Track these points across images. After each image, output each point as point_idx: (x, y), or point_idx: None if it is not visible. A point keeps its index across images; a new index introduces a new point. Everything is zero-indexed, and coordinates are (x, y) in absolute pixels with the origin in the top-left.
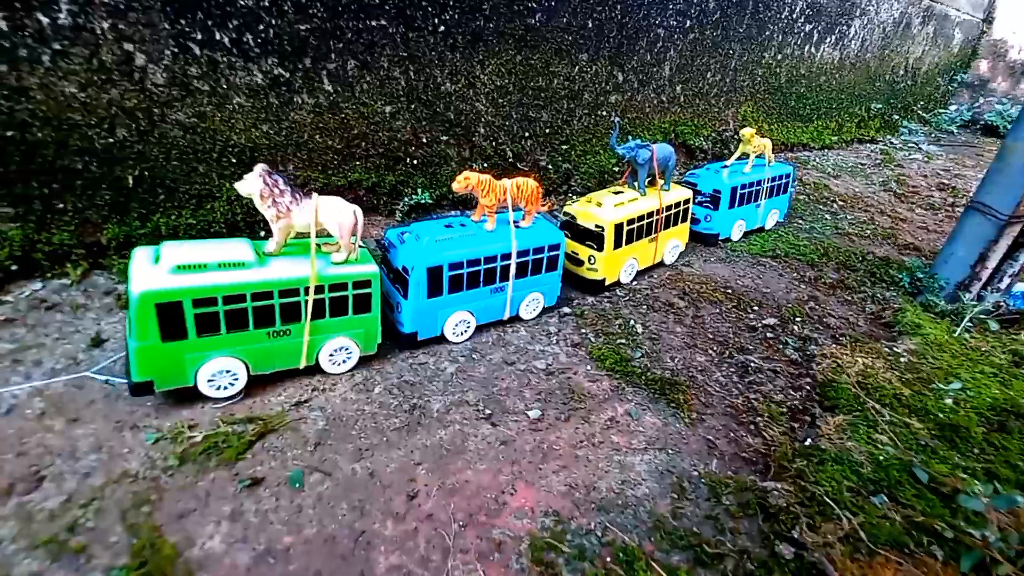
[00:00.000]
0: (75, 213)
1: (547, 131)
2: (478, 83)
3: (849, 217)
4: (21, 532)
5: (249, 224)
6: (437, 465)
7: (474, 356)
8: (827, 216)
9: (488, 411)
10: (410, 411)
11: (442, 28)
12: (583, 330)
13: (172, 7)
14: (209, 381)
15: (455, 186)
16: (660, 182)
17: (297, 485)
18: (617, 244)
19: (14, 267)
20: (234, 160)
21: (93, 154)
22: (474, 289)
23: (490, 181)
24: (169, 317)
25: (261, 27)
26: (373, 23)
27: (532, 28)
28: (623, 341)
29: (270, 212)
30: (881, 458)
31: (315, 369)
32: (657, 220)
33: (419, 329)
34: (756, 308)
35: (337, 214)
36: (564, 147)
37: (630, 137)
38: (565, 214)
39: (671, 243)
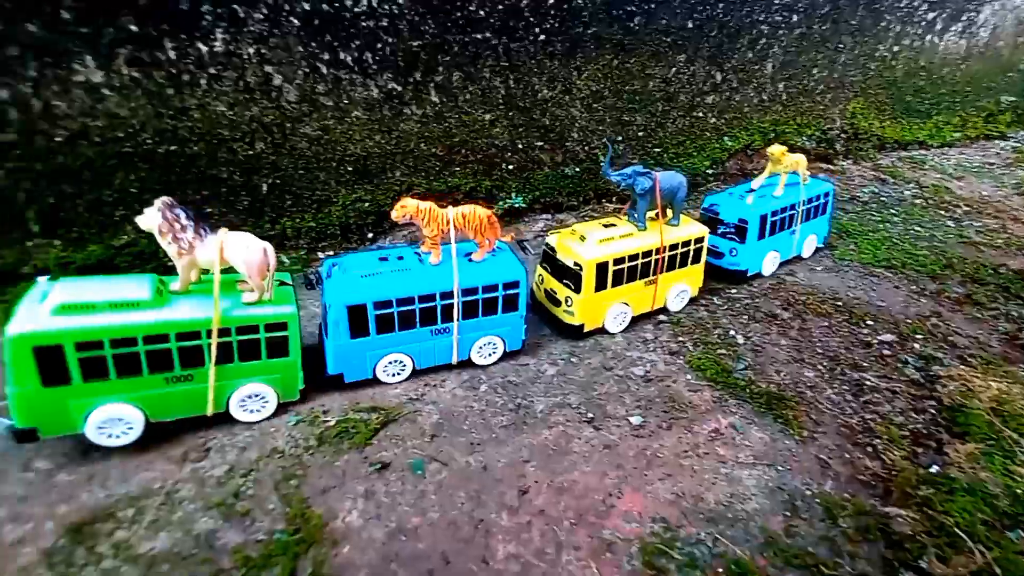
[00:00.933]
0: (219, 217)
1: (640, 134)
2: (574, 89)
3: (976, 224)
4: (197, 494)
5: (359, 228)
6: (545, 463)
7: (573, 360)
8: (949, 223)
9: (590, 415)
10: (515, 410)
11: (542, 37)
12: (680, 338)
13: (306, 31)
14: (99, 429)
15: (393, 214)
16: (668, 215)
17: (419, 472)
18: (600, 286)
19: (171, 263)
20: (350, 168)
21: (236, 165)
22: (409, 330)
23: (431, 209)
24: (49, 361)
25: (379, 45)
26: (478, 36)
27: (631, 31)
28: (724, 351)
29: (171, 248)
30: (1019, 491)
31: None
32: (658, 260)
33: (344, 371)
34: (870, 323)
35: (244, 252)
36: (656, 150)
37: (635, 161)
38: (546, 245)
39: (677, 287)
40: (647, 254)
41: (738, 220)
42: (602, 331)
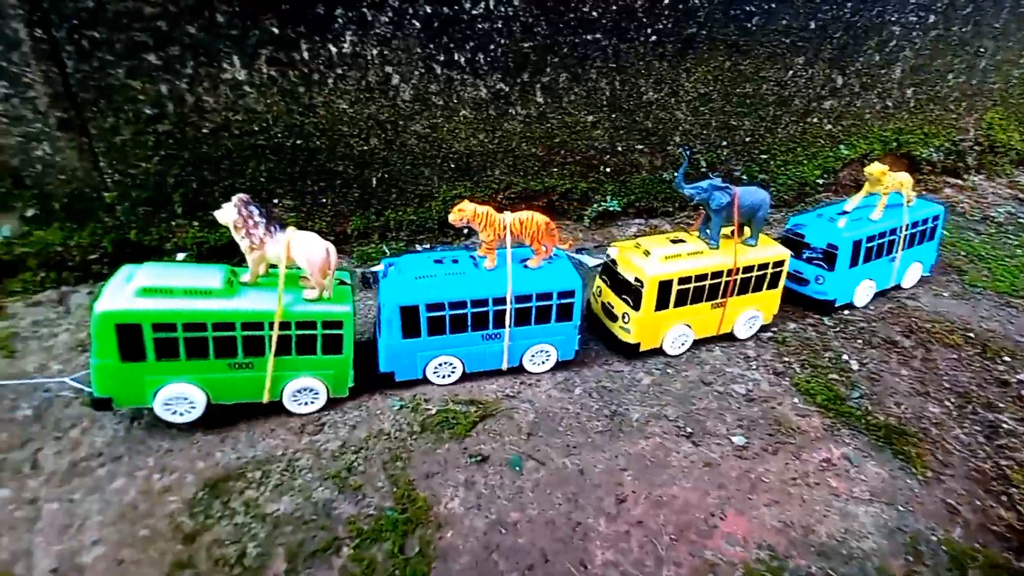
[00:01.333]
0: (332, 207)
1: (747, 140)
2: (681, 91)
3: None
4: (314, 464)
5: (426, 227)
6: (642, 474)
7: (669, 371)
8: None
9: (689, 429)
10: (610, 417)
11: (653, 38)
12: (785, 358)
13: (426, 33)
14: (165, 405)
15: (451, 217)
16: (745, 234)
17: (517, 468)
18: (661, 305)
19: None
20: (452, 165)
21: (351, 159)
22: (460, 333)
23: (488, 214)
24: (128, 338)
25: (492, 47)
26: (588, 37)
27: (747, 32)
28: (835, 377)
29: (244, 243)
30: None
31: (520, 368)
32: (729, 282)
33: (395, 370)
34: (1007, 359)
35: (307, 250)
36: (763, 157)
37: (711, 174)
38: (608, 257)
39: (747, 313)
40: (716, 275)
41: (827, 245)
42: (699, 343)
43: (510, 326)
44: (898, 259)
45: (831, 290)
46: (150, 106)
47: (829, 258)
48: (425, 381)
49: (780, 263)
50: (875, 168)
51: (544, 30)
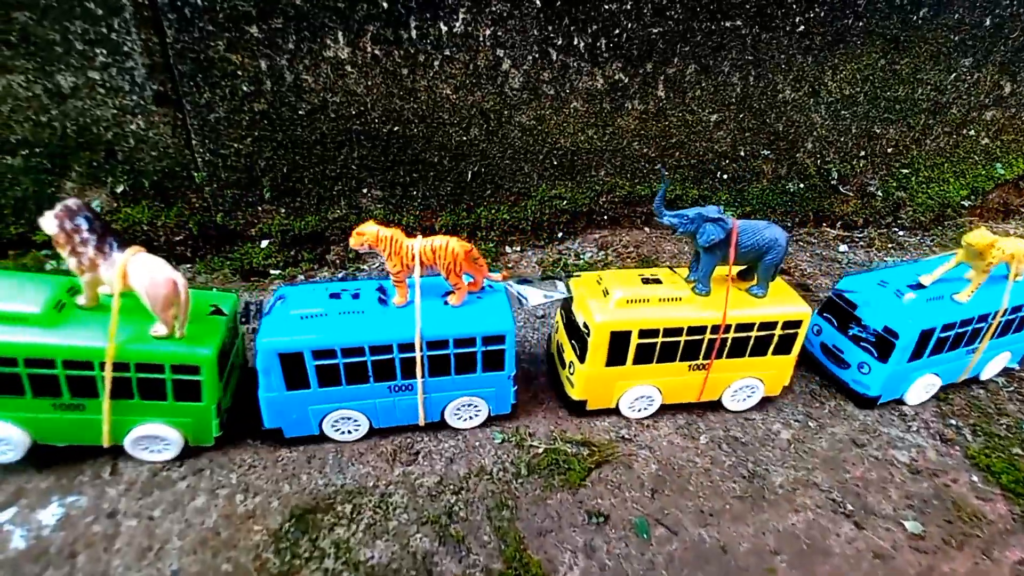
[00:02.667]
0: (422, 200)
1: (888, 150)
2: (823, 91)
3: None
4: (410, 503)
5: (551, 226)
6: (799, 561)
7: (811, 424)
8: None
9: (848, 506)
10: (748, 478)
11: (801, 28)
12: (952, 420)
13: (545, 13)
14: None
15: (351, 242)
16: (754, 281)
17: (644, 536)
18: (615, 360)
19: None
20: (555, 162)
21: (448, 149)
22: (360, 385)
23: (394, 239)
24: None
25: (617, 31)
26: (727, 24)
27: (911, 25)
28: (1020, 452)
29: (71, 262)
30: None
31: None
32: (714, 340)
33: (283, 425)
34: None
35: (147, 280)
36: (904, 171)
37: (712, 204)
38: (568, 287)
39: (741, 383)
40: (697, 330)
41: (883, 328)
42: (827, 390)
43: (423, 377)
44: (981, 350)
45: (875, 385)
46: (248, 83)
47: (883, 345)
48: (582, 408)
49: (795, 324)
50: (978, 238)
51: (678, 14)
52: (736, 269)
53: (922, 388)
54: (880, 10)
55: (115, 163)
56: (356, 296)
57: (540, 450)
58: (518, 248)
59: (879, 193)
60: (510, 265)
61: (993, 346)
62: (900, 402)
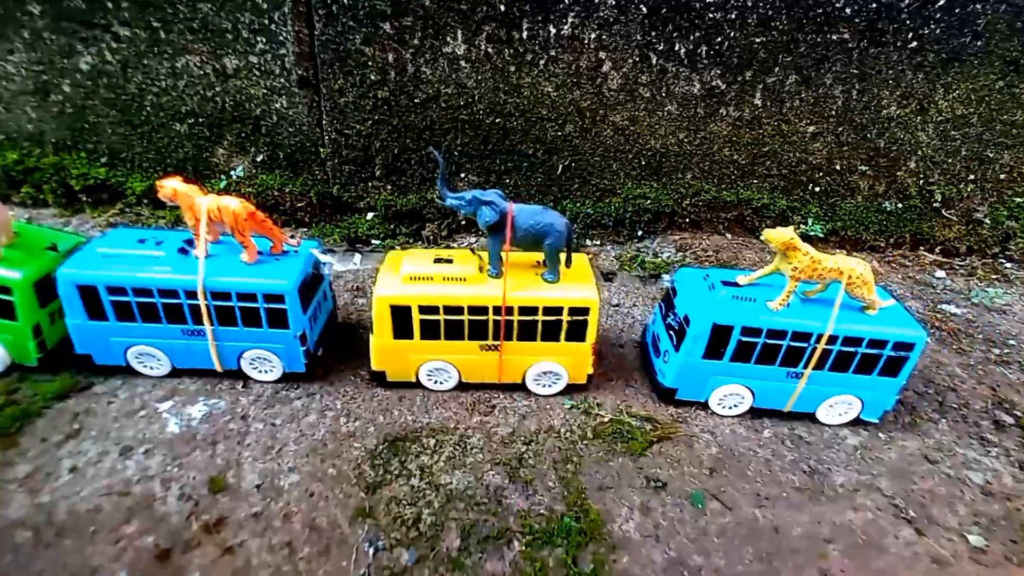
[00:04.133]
0: (512, 188)
1: (1001, 176)
2: (932, 109)
3: None
4: (485, 446)
5: (632, 223)
6: (853, 552)
7: (880, 435)
8: None
9: (910, 512)
10: (809, 474)
11: (913, 43)
12: None
13: (650, 19)
14: None
15: (159, 194)
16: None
17: (699, 506)
18: (401, 333)
19: (463, 222)
20: (643, 162)
21: (543, 143)
22: (154, 324)
23: (188, 195)
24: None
25: (719, 39)
26: (834, 36)
27: None
28: None
29: None
30: None
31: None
32: (499, 322)
33: (92, 352)
34: None
35: None
36: (1017, 200)
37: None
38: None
39: (541, 366)
40: (480, 310)
41: (683, 317)
42: (903, 405)
43: (213, 325)
44: (805, 377)
45: (670, 375)
46: (375, 72)
47: (681, 334)
48: (644, 392)
49: (583, 311)
50: (776, 234)
51: (783, 24)
52: (537, 255)
53: (727, 397)
54: (1000, 31)
55: (259, 135)
56: (159, 243)
57: (606, 419)
58: (598, 242)
59: (987, 220)
60: (589, 257)
61: (827, 381)
62: (1019, 423)
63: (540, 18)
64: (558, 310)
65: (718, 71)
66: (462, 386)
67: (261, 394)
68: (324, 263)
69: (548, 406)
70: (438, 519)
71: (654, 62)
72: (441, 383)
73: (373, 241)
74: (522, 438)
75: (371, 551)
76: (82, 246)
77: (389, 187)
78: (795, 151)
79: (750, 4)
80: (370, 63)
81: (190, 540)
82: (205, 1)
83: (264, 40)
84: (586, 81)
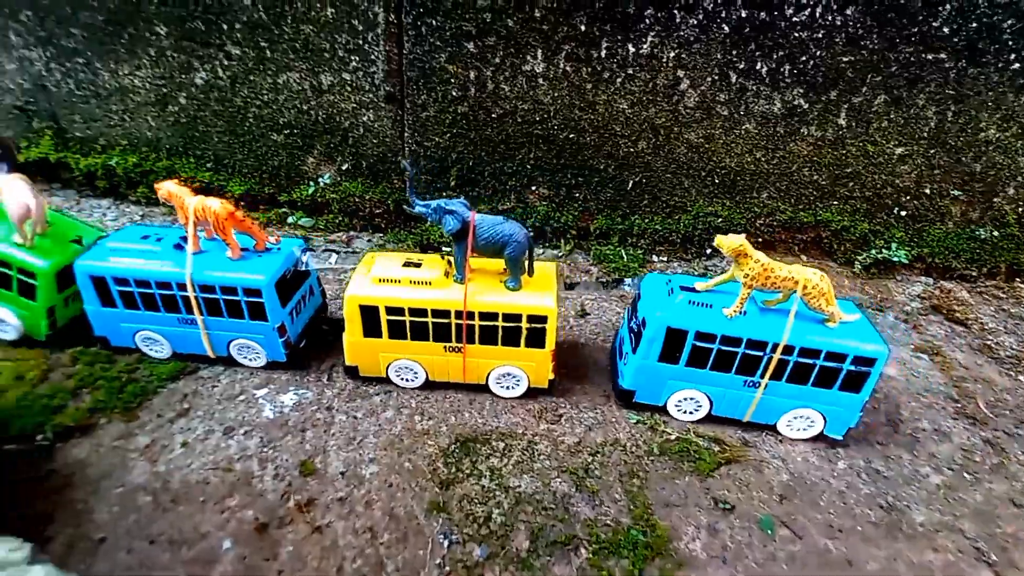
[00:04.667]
0: (582, 202)
1: None
2: None
3: None
4: (552, 454)
5: (700, 241)
6: None
7: (966, 475)
8: None
9: (992, 556)
10: (886, 509)
11: (1016, 65)
12: None
13: (731, 39)
14: None
15: (157, 193)
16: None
17: (768, 532)
18: (371, 332)
19: (531, 233)
20: (716, 180)
21: (614, 159)
22: (155, 312)
23: (181, 195)
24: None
25: (803, 58)
26: (930, 56)
27: None
28: None
29: None
30: None
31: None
32: (460, 325)
33: (107, 335)
34: None
35: (10, 202)
36: None
37: (455, 197)
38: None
39: (502, 369)
40: (443, 314)
41: (642, 319)
42: (991, 446)
43: (202, 314)
44: (763, 387)
45: (628, 376)
46: (457, 89)
47: (639, 336)
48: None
49: (541, 319)
50: (727, 240)
51: (874, 44)
52: (498, 263)
53: (684, 401)
54: None
55: (346, 146)
56: (159, 240)
57: (672, 437)
58: (664, 258)
59: None
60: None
61: (787, 393)
62: (891, 451)
63: (620, 37)
64: (517, 317)
65: (801, 90)
66: (530, 393)
67: (344, 388)
68: (304, 262)
69: (614, 419)
70: (507, 520)
71: (733, 80)
72: (409, 381)
73: (443, 248)
74: (588, 448)
75: (445, 543)
76: (99, 241)
77: (462, 197)
78: (881, 173)
79: (839, 23)
80: (452, 80)
81: (284, 517)
82: (308, 24)
83: (357, 59)
84: (662, 99)
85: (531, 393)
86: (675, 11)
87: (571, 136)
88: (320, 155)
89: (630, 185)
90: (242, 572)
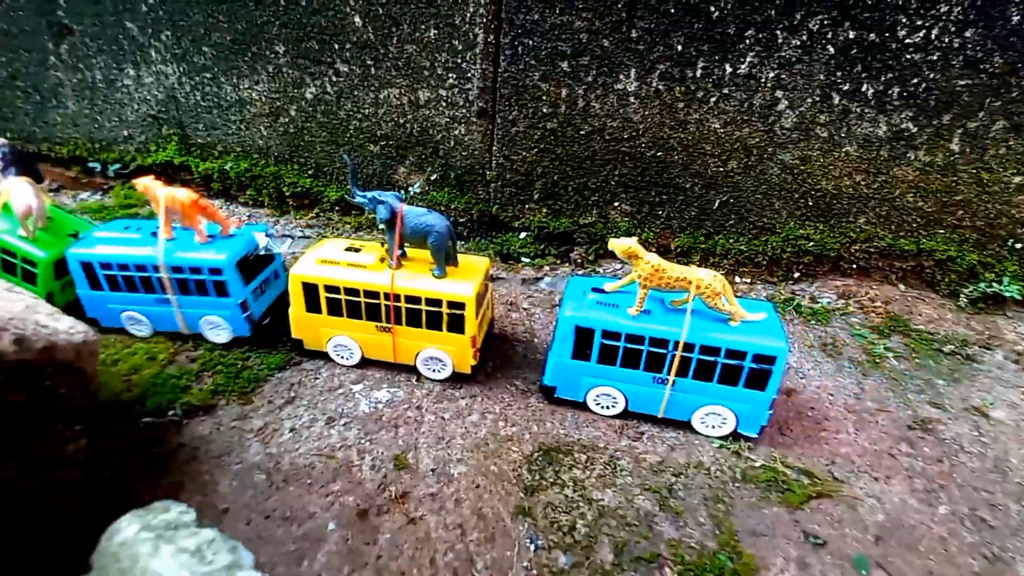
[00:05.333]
0: (664, 220)
1: None
2: None
3: None
4: (635, 471)
5: (788, 265)
6: None
7: None
8: None
9: None
10: (990, 560)
11: None
12: None
13: (836, 60)
14: None
15: (136, 187)
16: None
17: (863, 572)
18: (312, 308)
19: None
20: (810, 203)
21: (701, 177)
22: (136, 293)
23: (154, 188)
24: None
25: (915, 81)
26: None
27: None
28: None
29: None
30: None
31: (860, 452)
32: (389, 307)
33: (99, 317)
34: None
35: (14, 201)
36: None
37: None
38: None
39: (428, 352)
40: (373, 295)
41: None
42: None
43: (174, 295)
44: (670, 384)
45: (548, 374)
46: (548, 105)
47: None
48: (805, 442)
49: (459, 305)
50: (619, 244)
51: (994, 68)
52: (425, 252)
53: (601, 397)
54: None
55: (436, 157)
56: (139, 229)
57: (757, 464)
58: (748, 280)
59: None
60: (738, 294)
61: (695, 390)
62: (996, 500)
63: (717, 57)
64: (438, 302)
65: (910, 113)
66: (623, 414)
67: (431, 390)
68: (263, 246)
69: (697, 441)
70: (592, 531)
71: (836, 102)
72: (346, 359)
73: (523, 259)
74: (671, 469)
75: (532, 547)
76: (89, 232)
77: (544, 210)
78: (995, 202)
79: (956, 46)
80: (544, 97)
81: (382, 506)
82: (412, 43)
83: (455, 76)
84: (758, 119)
85: (626, 414)
86: (777, 31)
87: (658, 154)
88: (412, 165)
89: (716, 204)
90: (345, 552)
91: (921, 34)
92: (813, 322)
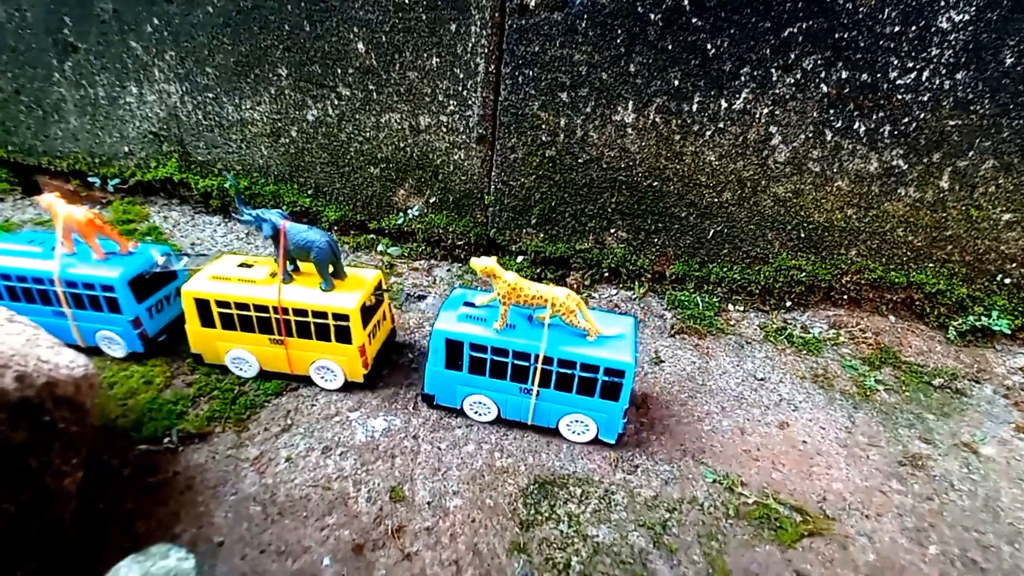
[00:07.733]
0: (659, 247)
1: None
2: None
3: None
4: (629, 506)
5: (780, 294)
6: None
7: None
8: None
9: None
10: None
11: None
12: None
13: (829, 98)
14: None
15: (40, 203)
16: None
17: None
18: (206, 323)
19: (606, 274)
20: (802, 235)
21: (696, 207)
22: (33, 304)
23: (55, 206)
24: None
25: (906, 120)
26: None
27: None
28: None
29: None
30: None
31: (851, 488)
32: (279, 320)
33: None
34: None
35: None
36: None
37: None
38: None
39: (320, 362)
40: (263, 309)
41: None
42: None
43: (70, 308)
44: (535, 395)
45: (427, 383)
46: (546, 134)
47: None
48: (798, 478)
49: (343, 317)
50: (479, 263)
51: (984, 109)
52: (310, 266)
53: (476, 405)
54: None
55: (435, 181)
56: (42, 243)
57: (750, 500)
58: (740, 308)
59: None
60: (731, 322)
61: (558, 400)
62: (988, 541)
63: (713, 93)
64: (324, 314)
65: (900, 151)
66: (602, 444)
67: (428, 418)
68: (160, 265)
69: (691, 475)
70: (586, 569)
71: (828, 138)
72: (244, 370)
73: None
74: (665, 504)
75: None
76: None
77: (541, 235)
78: (984, 238)
79: (947, 87)
80: (543, 126)
81: (377, 540)
82: (414, 71)
83: (455, 103)
84: (752, 152)
85: (608, 445)
86: (772, 69)
87: (654, 183)
88: (410, 188)
89: (711, 233)
90: None
91: (912, 75)
92: (805, 352)
